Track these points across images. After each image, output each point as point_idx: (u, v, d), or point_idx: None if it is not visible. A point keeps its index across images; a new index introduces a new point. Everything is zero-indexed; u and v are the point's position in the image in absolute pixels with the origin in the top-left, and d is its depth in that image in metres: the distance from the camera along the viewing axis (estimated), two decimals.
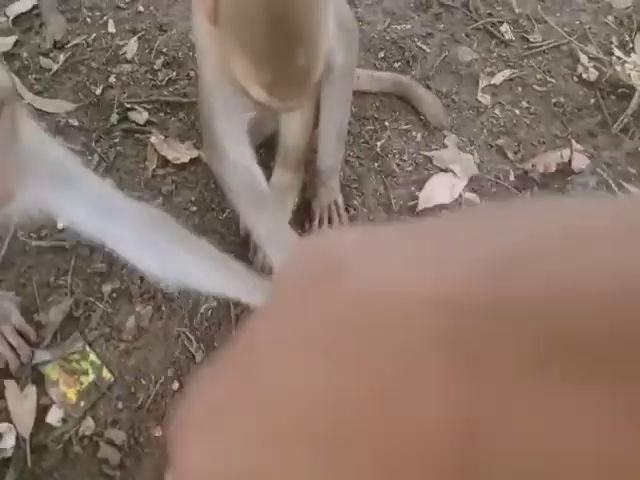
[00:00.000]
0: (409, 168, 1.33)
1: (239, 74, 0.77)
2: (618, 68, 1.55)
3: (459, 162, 1.29)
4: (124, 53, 1.75)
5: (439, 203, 1.24)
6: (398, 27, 1.66)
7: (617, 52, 1.64)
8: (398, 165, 1.33)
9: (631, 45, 1.68)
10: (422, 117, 1.43)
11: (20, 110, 0.82)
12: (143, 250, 0.91)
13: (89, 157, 1.42)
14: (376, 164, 1.34)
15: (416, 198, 1.26)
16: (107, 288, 1.14)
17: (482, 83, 1.52)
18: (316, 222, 1.22)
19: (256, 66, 0.74)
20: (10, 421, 1.00)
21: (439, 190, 1.24)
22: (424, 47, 1.59)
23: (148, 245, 0.91)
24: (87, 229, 0.90)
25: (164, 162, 1.40)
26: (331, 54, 0.86)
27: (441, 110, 1.43)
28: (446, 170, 1.29)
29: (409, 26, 1.66)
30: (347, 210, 1.24)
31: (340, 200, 1.23)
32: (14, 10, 1.90)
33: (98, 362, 1.06)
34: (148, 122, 1.53)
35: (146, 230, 0.90)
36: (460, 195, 1.26)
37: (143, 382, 1.05)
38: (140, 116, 1.53)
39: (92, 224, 0.90)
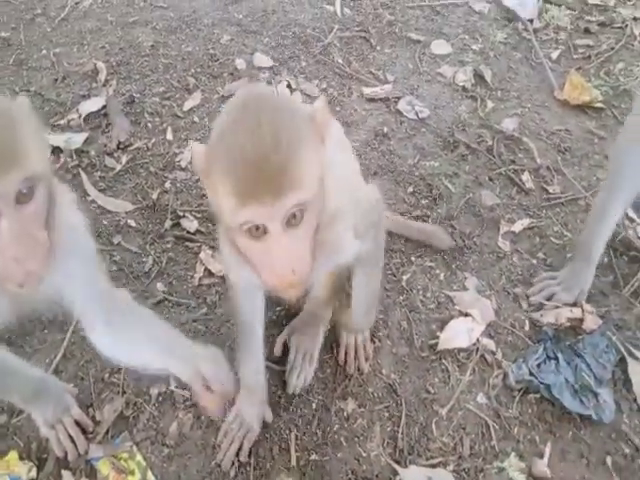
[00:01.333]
0: (431, 306, 1.53)
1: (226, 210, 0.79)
2: (631, 232, 1.73)
3: (478, 306, 1.49)
4: (179, 161, 2.05)
5: (458, 347, 1.42)
6: (427, 164, 1.96)
7: (631, 213, 1.81)
8: (422, 301, 1.54)
9: None
10: (445, 256, 1.65)
11: (61, 190, 0.92)
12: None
13: (144, 259, 1.66)
14: (401, 297, 1.55)
15: (437, 337, 1.45)
16: (154, 391, 1.32)
17: (503, 229, 1.73)
18: (342, 353, 1.37)
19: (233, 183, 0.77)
20: None
21: (458, 333, 1.43)
22: (450, 186, 1.86)
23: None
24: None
25: (210, 272, 1.63)
26: (327, 199, 0.88)
27: (443, 233, 1.64)
28: (466, 314, 1.49)
29: (437, 164, 1.96)
30: (372, 341, 1.45)
31: (367, 334, 1.39)
32: (86, 108, 2.23)
33: (144, 464, 1.22)
34: (197, 231, 1.77)
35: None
36: (478, 340, 1.44)
37: None
38: (191, 224, 1.79)
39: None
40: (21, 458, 1.23)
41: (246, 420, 1.27)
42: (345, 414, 1.33)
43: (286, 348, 1.41)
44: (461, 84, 2.30)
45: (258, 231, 0.80)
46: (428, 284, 1.60)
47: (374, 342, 1.46)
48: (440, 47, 2.57)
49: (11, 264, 0.76)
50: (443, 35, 2.66)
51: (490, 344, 1.45)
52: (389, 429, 1.32)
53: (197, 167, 0.85)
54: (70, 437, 1.21)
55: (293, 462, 1.25)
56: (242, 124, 0.79)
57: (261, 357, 1.28)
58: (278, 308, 1.53)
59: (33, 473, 1.21)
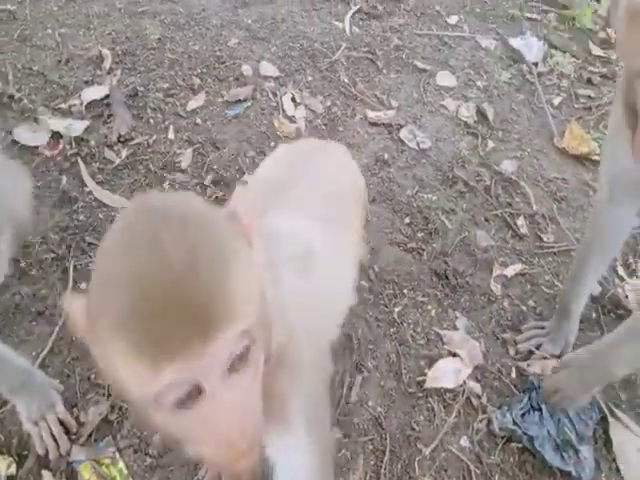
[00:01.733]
0: (421, 341, 1.58)
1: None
2: (619, 290, 1.77)
3: (467, 348, 1.54)
4: (179, 162, 2.07)
5: (444, 386, 1.46)
6: (425, 196, 2.03)
7: (620, 271, 1.87)
8: (412, 336, 1.59)
9: (634, 267, 1.88)
10: (438, 292, 1.70)
11: None
12: None
13: None
14: (392, 329, 1.59)
15: (424, 374, 1.49)
16: None
17: (495, 272, 1.79)
18: None
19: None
20: None
21: (446, 373, 1.47)
22: (446, 222, 1.93)
23: None
24: None
25: None
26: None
27: None
28: (454, 354, 1.53)
29: (435, 197, 2.03)
30: (360, 370, 1.47)
31: None
32: (88, 95, 2.22)
33: (125, 472, 1.22)
34: None
35: None
36: (464, 382, 1.48)
37: None
38: None
39: None
40: (1, 453, 1.22)
41: None
42: None
43: None
44: (464, 119, 2.39)
45: (190, 398, 0.56)
46: (419, 319, 1.64)
47: (362, 372, 1.49)
48: (445, 79, 2.66)
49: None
50: (449, 67, 2.75)
51: (476, 387, 1.49)
52: (372, 463, 1.35)
53: (77, 326, 0.59)
54: (52, 436, 1.21)
55: None
56: (136, 249, 0.54)
57: None
58: None
59: (12, 469, 1.20)
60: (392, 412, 1.43)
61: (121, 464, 1.23)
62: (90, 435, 1.27)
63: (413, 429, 1.40)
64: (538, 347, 1.59)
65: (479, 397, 1.47)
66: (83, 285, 1.56)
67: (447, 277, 1.74)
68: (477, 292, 1.72)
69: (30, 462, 1.22)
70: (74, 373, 1.37)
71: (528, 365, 1.55)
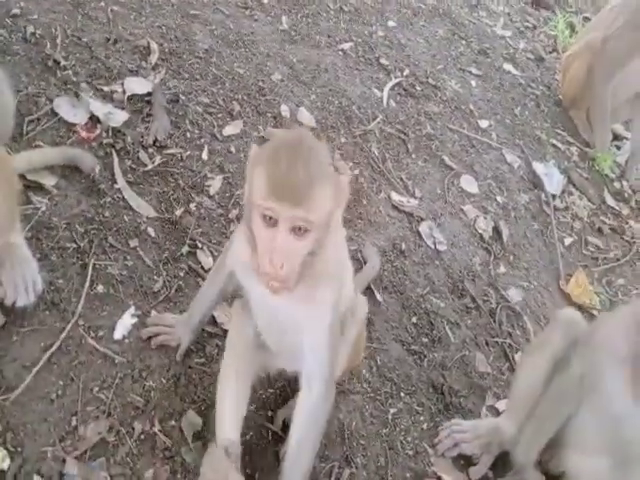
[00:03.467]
0: (410, 452, 1.75)
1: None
2: None
3: (454, 476, 1.69)
4: (209, 186, 2.21)
5: None
6: (434, 300, 2.27)
7: None
8: (402, 443, 1.75)
9: None
10: (432, 406, 1.86)
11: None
12: None
13: (155, 277, 1.77)
14: (384, 430, 1.75)
15: None
16: (138, 426, 1.42)
17: (488, 401, 1.99)
18: None
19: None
20: None
21: None
22: (450, 335, 2.16)
23: None
24: None
25: (215, 320, 1.76)
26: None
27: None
28: (438, 478, 1.68)
29: (443, 304, 2.28)
30: (350, 465, 1.60)
31: None
32: (131, 87, 2.35)
33: None
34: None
35: None
36: None
37: None
38: (206, 260, 1.93)
39: None
40: None
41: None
42: None
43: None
44: (480, 231, 2.70)
45: (271, 220, 1.13)
46: (411, 427, 1.82)
47: (351, 466, 1.63)
48: (469, 184, 2.99)
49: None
50: (473, 172, 3.09)
51: None
52: None
53: (249, 159, 1.22)
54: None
55: None
56: (291, 147, 1.16)
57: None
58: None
59: (6, 464, 1.24)
60: None
61: None
62: (85, 452, 1.33)
63: None
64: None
65: None
66: (100, 287, 1.64)
67: (442, 392, 1.95)
68: (468, 417, 1.91)
69: (19, 460, 1.27)
70: (78, 378, 1.44)
71: None
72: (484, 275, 2.47)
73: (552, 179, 3.26)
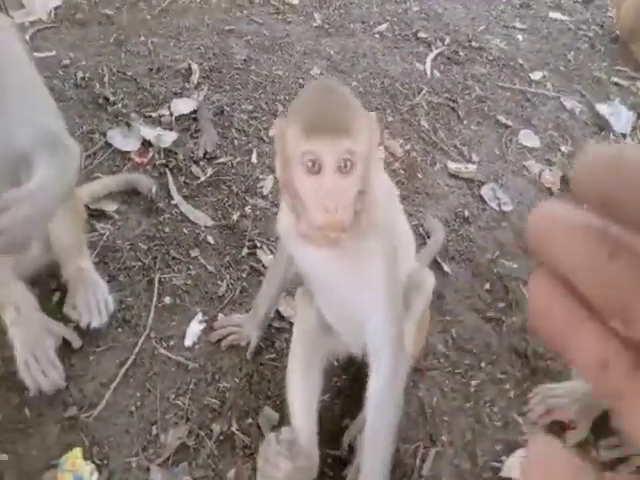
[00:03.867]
0: (498, 423, 1.58)
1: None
2: None
3: None
4: (261, 187, 2.16)
5: None
6: (506, 263, 2.07)
7: None
8: (488, 415, 1.59)
9: None
10: (518, 372, 1.71)
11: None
12: None
13: (219, 282, 1.74)
14: (468, 404, 1.60)
15: (501, 461, 1.48)
16: (217, 428, 1.38)
17: None
18: None
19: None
20: None
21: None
22: (527, 295, 1.94)
23: None
24: None
25: (281, 315, 1.70)
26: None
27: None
28: None
29: (516, 266, 2.07)
30: (435, 444, 1.49)
31: None
32: (178, 108, 2.35)
33: None
34: None
35: None
36: None
37: None
38: (267, 258, 1.88)
39: None
40: (84, 458, 1.27)
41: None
42: None
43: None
44: (547, 185, 2.45)
45: (314, 167, 1.00)
46: (496, 398, 1.65)
47: (436, 445, 1.50)
48: (528, 139, 2.73)
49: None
50: (532, 126, 2.82)
51: None
52: None
53: (275, 132, 1.11)
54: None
55: None
56: (317, 89, 1.09)
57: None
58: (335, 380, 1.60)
59: (94, 477, 1.25)
60: None
61: None
62: (168, 458, 1.32)
63: None
64: None
65: None
66: (167, 299, 1.63)
67: (527, 357, 1.76)
68: (558, 379, 1.70)
69: (109, 473, 1.28)
70: (155, 389, 1.43)
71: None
72: None
73: (619, 118, 2.91)
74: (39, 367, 1.34)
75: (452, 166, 2.50)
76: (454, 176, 2.45)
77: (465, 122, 2.81)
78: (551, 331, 0.25)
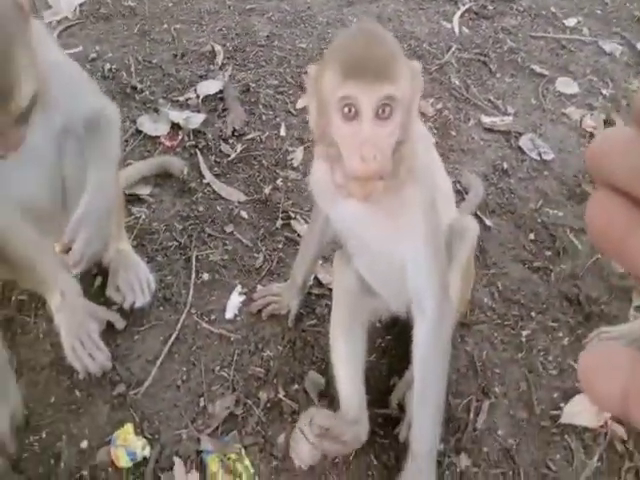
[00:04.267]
0: (553, 372, 1.49)
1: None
2: None
3: None
4: (291, 159, 2.10)
5: (583, 425, 1.35)
6: (550, 211, 1.94)
7: None
8: (542, 364, 1.50)
9: None
10: (570, 319, 1.61)
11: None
12: None
13: (255, 254, 1.71)
14: (520, 355, 1.52)
15: (559, 408, 1.40)
16: (263, 396, 1.36)
17: (636, 301, 1.65)
18: None
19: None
20: None
21: (585, 411, 1.35)
22: (576, 242, 1.83)
23: None
24: None
25: (320, 282, 1.65)
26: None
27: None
28: None
29: (561, 213, 1.94)
30: (488, 396, 1.41)
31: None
32: (204, 90, 2.31)
33: (251, 470, 1.24)
34: None
35: None
36: (606, 423, 1.36)
37: None
38: (301, 228, 1.82)
39: None
40: (136, 433, 1.28)
41: None
42: (458, 470, 1.30)
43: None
44: (589, 130, 2.28)
45: (351, 113, 0.94)
46: (550, 346, 1.56)
47: (489, 397, 1.42)
48: (566, 86, 2.55)
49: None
50: (569, 73, 2.63)
51: (621, 431, 1.37)
52: None
53: (309, 80, 1.03)
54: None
55: None
56: (357, 32, 1.02)
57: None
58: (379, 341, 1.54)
59: (147, 451, 1.25)
60: (524, 446, 1.35)
61: (247, 462, 1.25)
62: (217, 428, 1.30)
63: (549, 468, 1.32)
64: None
65: (624, 442, 1.35)
66: (205, 275, 1.61)
67: (579, 303, 1.64)
68: (614, 322, 1.59)
69: (161, 446, 1.27)
70: (199, 362, 1.41)
71: None
72: None
73: None
74: (85, 351, 1.35)
75: (487, 120, 2.36)
76: (489, 130, 2.30)
77: (498, 75, 2.65)
78: (613, 239, 0.26)
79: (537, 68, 2.65)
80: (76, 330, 1.35)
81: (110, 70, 2.32)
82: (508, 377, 1.46)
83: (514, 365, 1.49)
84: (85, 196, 1.24)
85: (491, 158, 2.16)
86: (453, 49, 2.74)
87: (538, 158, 2.15)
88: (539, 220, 1.90)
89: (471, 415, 1.38)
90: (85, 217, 1.21)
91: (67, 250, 1.20)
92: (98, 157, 1.30)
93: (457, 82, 2.57)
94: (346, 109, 0.93)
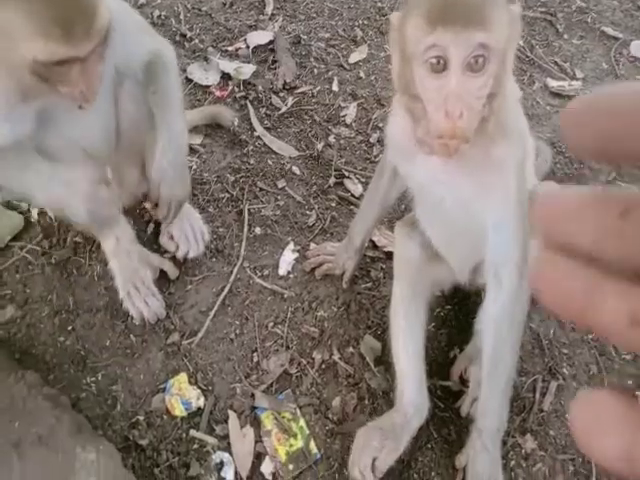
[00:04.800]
0: (627, 356, 1.41)
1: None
2: None
3: None
4: (344, 116, 2.02)
5: None
6: (622, 184, 1.83)
7: None
8: (615, 348, 1.41)
9: None
10: None
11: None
12: None
13: (308, 212, 1.65)
14: (590, 336, 1.43)
15: (634, 396, 1.30)
16: (318, 356, 1.32)
17: None
18: None
19: None
20: (230, 453, 1.18)
21: None
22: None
23: None
24: None
25: (375, 244, 1.59)
26: None
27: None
28: None
29: (635, 188, 1.82)
30: (555, 377, 1.35)
31: (498, 453, 1.13)
32: (254, 40, 2.23)
33: (307, 431, 1.22)
34: (362, 197, 1.74)
35: None
36: None
37: (345, 473, 1.18)
38: (355, 187, 1.76)
39: None
40: (190, 383, 1.26)
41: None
42: (523, 452, 1.25)
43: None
44: None
45: (439, 65, 0.85)
46: None
47: (557, 378, 1.36)
48: None
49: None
50: None
51: None
52: None
53: (392, 28, 0.94)
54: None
55: None
56: None
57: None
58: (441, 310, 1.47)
59: (201, 402, 1.24)
60: None
61: (302, 422, 1.22)
62: (271, 385, 1.27)
63: None
64: None
65: None
66: (257, 229, 1.57)
67: None
68: None
69: (215, 398, 1.26)
70: (252, 317, 1.38)
71: None
72: None
73: None
74: (140, 297, 1.33)
75: (554, 84, 2.22)
76: (556, 95, 2.18)
77: (565, 37, 2.49)
78: (574, 304, 0.25)
79: (609, 30, 2.48)
80: (130, 276, 1.33)
81: (159, 17, 2.26)
82: (577, 358, 1.39)
83: (584, 346, 1.41)
84: (159, 146, 1.22)
85: (558, 125, 2.03)
86: (516, 6, 2.58)
87: None
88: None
89: (537, 395, 1.32)
90: (163, 169, 1.20)
91: (155, 205, 1.19)
92: (164, 103, 1.26)
93: (521, 42, 2.42)
94: (433, 60, 0.84)
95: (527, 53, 2.37)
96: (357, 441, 1.15)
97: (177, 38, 2.18)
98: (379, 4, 2.56)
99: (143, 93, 1.26)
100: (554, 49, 2.42)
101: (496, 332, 1.10)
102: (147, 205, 1.21)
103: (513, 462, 1.23)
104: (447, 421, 1.27)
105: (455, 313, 1.45)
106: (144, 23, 1.36)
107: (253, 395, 1.25)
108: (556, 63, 2.34)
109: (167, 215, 1.25)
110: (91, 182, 1.13)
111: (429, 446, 1.23)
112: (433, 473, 1.19)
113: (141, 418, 1.21)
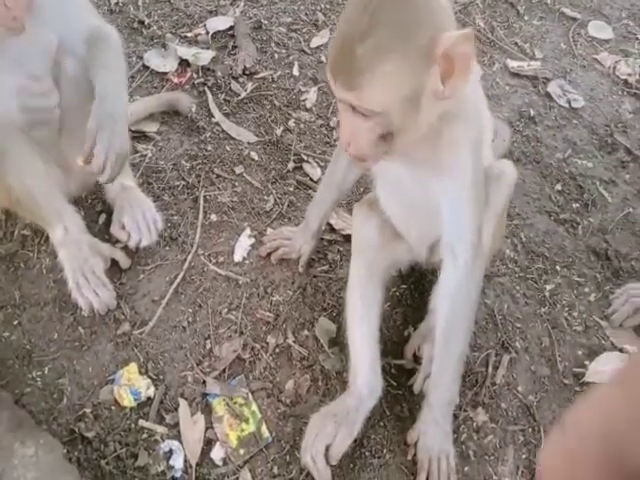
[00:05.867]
0: (578, 328, 1.42)
1: None
2: None
3: (638, 344, 1.33)
4: (304, 100, 1.97)
5: None
6: (579, 162, 1.82)
7: None
8: (567, 320, 1.43)
9: None
10: (597, 274, 1.52)
11: None
12: None
13: (265, 197, 1.62)
14: (543, 310, 1.44)
15: (583, 366, 1.33)
16: (272, 341, 1.30)
17: None
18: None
19: None
20: (180, 441, 1.15)
21: (611, 370, 1.24)
22: (605, 194, 1.72)
23: None
24: None
25: (332, 228, 1.56)
26: None
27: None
28: (621, 350, 1.35)
29: (590, 164, 1.82)
30: (508, 350, 1.33)
31: (452, 454, 1.15)
32: (213, 25, 2.17)
33: (259, 415, 1.20)
34: (320, 180, 1.71)
35: None
36: None
37: (297, 455, 1.16)
38: (314, 171, 1.72)
39: None
40: (140, 373, 1.23)
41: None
42: (475, 425, 1.24)
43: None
44: (623, 77, 2.12)
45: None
46: (575, 302, 1.47)
47: (509, 352, 1.35)
48: (599, 30, 2.37)
49: None
50: (603, 17, 2.45)
51: None
52: (524, 457, 1.22)
53: None
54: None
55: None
56: (355, 6, 0.83)
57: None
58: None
59: (151, 391, 1.21)
60: (545, 403, 1.29)
61: (254, 407, 1.20)
62: (223, 371, 1.25)
63: None
64: None
65: None
66: (213, 216, 1.53)
67: (608, 257, 1.55)
68: None
69: (165, 387, 1.23)
70: (206, 304, 1.35)
71: None
72: (637, 123, 1.93)
73: None
74: (90, 287, 1.29)
75: (513, 64, 2.20)
76: (516, 75, 2.15)
77: (526, 18, 2.46)
78: None
79: (568, 11, 2.46)
80: (80, 266, 1.29)
81: (117, 4, 2.18)
82: (530, 332, 1.39)
83: (536, 320, 1.41)
84: (96, 100, 1.15)
85: (517, 104, 2.02)
86: None
87: (567, 105, 2.01)
88: (566, 171, 1.78)
89: (489, 369, 1.31)
90: (100, 118, 1.12)
91: (89, 159, 1.11)
92: (103, 67, 1.20)
93: (482, 24, 2.40)
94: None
95: (488, 35, 2.34)
96: (310, 427, 1.13)
97: (135, 25, 2.11)
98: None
99: (85, 75, 1.21)
100: (514, 30, 2.39)
101: (450, 307, 1.09)
102: (79, 161, 1.11)
103: (465, 435, 1.22)
104: (400, 399, 1.26)
105: (411, 292, 1.43)
106: (88, 4, 1.32)
107: (205, 382, 1.22)
108: (516, 44, 2.31)
109: (103, 168, 1.13)
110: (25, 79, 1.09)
111: (381, 424, 1.21)
112: (385, 450, 1.17)
113: (88, 410, 1.17)
